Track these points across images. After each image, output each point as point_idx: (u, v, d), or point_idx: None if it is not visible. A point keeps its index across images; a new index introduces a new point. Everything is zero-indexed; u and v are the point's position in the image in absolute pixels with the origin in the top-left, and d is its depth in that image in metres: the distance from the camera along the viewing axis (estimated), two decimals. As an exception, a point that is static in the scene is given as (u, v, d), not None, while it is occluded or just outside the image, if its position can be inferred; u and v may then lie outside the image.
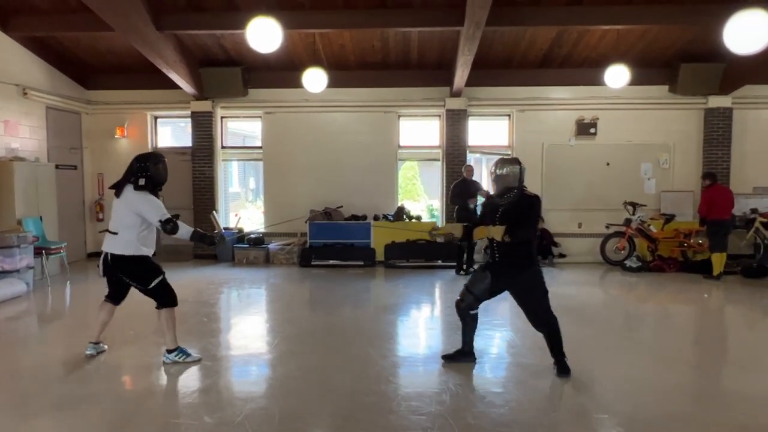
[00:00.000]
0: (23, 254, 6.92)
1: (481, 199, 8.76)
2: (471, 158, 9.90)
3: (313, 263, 9.02)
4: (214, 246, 4.37)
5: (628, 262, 8.74)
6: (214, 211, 9.70)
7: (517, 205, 3.90)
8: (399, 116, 9.81)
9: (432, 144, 10.00)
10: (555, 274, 8.47)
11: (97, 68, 9.62)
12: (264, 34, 5.91)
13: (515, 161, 3.99)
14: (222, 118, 10.06)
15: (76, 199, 9.60)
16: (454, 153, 9.49)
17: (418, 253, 9.00)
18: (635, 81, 8.22)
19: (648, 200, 9.29)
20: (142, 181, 4.09)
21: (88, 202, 9.88)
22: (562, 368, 3.97)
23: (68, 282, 7.71)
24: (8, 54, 8.00)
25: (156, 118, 10.21)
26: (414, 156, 10.48)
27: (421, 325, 5.74)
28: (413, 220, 9.36)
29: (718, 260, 7.84)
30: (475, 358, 4.30)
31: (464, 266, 8.41)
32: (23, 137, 8.28)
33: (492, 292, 4.09)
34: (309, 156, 9.72)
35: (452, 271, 8.45)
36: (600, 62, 8.68)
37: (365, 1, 7.35)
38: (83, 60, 9.33)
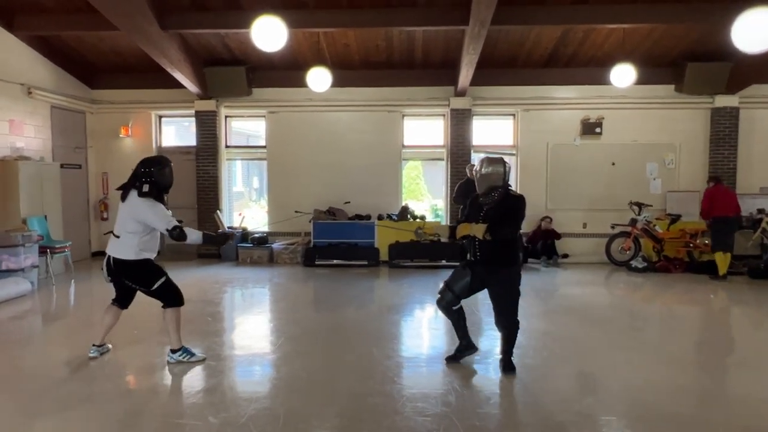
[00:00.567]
0: (28, 253, 6.93)
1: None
2: (475, 158, 9.86)
3: (317, 263, 9.01)
4: (225, 244, 4.34)
5: (633, 263, 8.69)
6: (218, 211, 9.73)
7: (500, 205, 3.92)
8: (403, 116, 9.79)
9: (436, 144, 9.97)
10: (559, 275, 8.44)
11: (101, 67, 9.63)
12: (268, 33, 5.91)
13: (500, 161, 3.97)
14: (226, 117, 10.06)
15: (81, 199, 9.62)
16: (459, 153, 9.46)
17: (422, 253, 8.97)
18: (641, 80, 8.18)
19: (654, 200, 9.24)
20: (146, 188, 4.02)
21: (92, 202, 9.90)
22: (509, 366, 4.03)
23: (72, 281, 7.72)
24: (13, 53, 8.02)
25: (160, 117, 10.22)
26: (418, 155, 10.45)
27: (425, 326, 5.72)
28: (417, 220, 9.32)
29: (722, 260, 7.79)
30: (476, 348, 4.31)
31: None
32: (28, 136, 8.29)
33: (472, 290, 4.11)
34: (313, 155, 9.71)
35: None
36: (606, 61, 8.63)
37: (370, 0, 7.34)
38: (88, 59, 9.35)
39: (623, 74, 7.80)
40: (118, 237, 4.12)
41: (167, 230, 4.00)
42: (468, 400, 3.56)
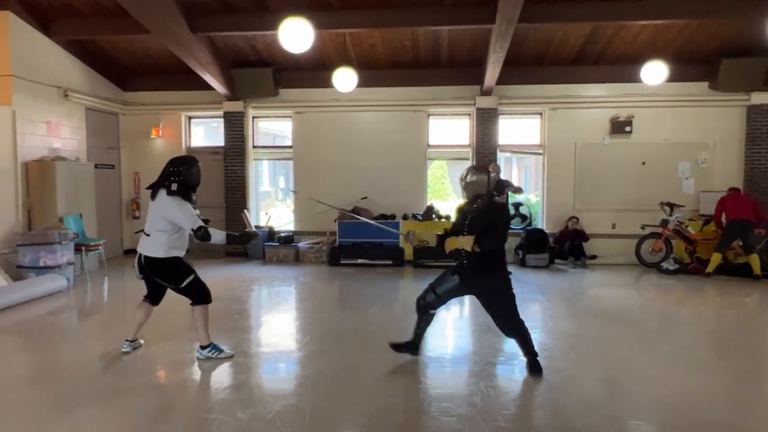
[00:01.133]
0: (64, 251, 7.16)
1: (512, 198, 8.66)
2: (501, 157, 9.79)
3: (342, 262, 9.07)
4: (248, 243, 4.41)
5: (664, 264, 8.50)
6: (245, 210, 9.88)
7: (483, 213, 3.94)
8: (428, 115, 9.77)
9: (461, 143, 9.92)
10: (587, 276, 8.30)
11: (133, 70, 9.88)
12: (295, 35, 5.96)
13: (484, 169, 4.05)
14: (253, 118, 10.21)
15: (114, 198, 9.89)
16: (484, 152, 9.39)
17: (447, 253, 8.91)
18: (673, 77, 7.98)
19: (686, 201, 9.01)
20: (174, 186, 4.12)
21: (124, 201, 10.17)
22: (535, 368, 4.00)
23: (106, 278, 7.95)
24: (51, 57, 8.30)
25: (190, 118, 10.43)
26: (443, 155, 10.42)
27: (449, 326, 5.70)
28: (442, 220, 9.29)
29: (756, 261, 7.81)
30: (419, 353, 4.34)
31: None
32: (65, 137, 8.57)
33: (458, 293, 4.16)
34: (338, 155, 9.77)
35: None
36: (636, 59, 8.45)
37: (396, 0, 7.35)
38: (121, 62, 9.60)
39: (655, 71, 7.62)
40: (148, 235, 4.22)
41: (192, 230, 4.07)
42: (494, 401, 3.54)
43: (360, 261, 9.08)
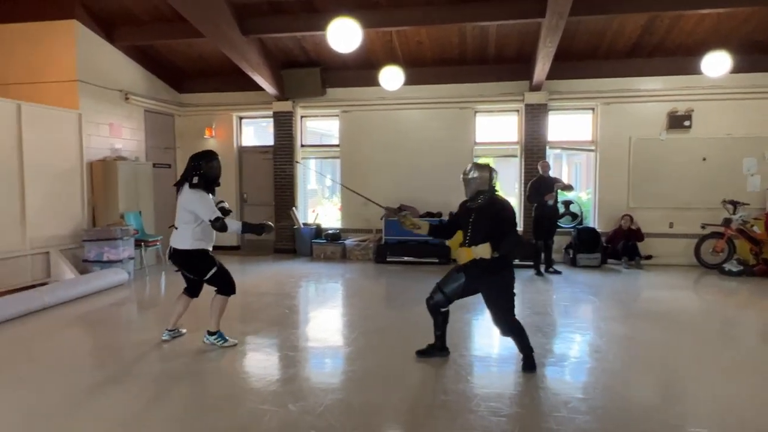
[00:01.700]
0: (125, 246, 7.54)
1: (562, 195, 8.44)
2: (551, 154, 9.56)
3: (388, 260, 9.11)
4: (264, 234, 4.56)
5: (727, 266, 8.06)
6: (293, 207, 10.11)
7: (486, 210, 3.96)
8: (476, 112, 9.66)
9: (509, 140, 9.75)
10: (642, 277, 7.99)
11: (188, 73, 10.27)
12: (343, 35, 6.03)
13: (486, 167, 4.06)
14: (301, 117, 10.40)
15: (170, 196, 10.21)
16: (533, 149, 9.20)
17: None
18: (737, 68, 7.59)
19: (751, 199, 8.52)
20: (195, 179, 4.35)
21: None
22: (530, 364, 4.00)
23: (163, 272, 8.31)
24: (114, 63, 8.75)
25: (241, 118, 10.74)
26: (491, 152, 10.25)
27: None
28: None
29: None
30: (448, 352, 4.33)
31: (542, 266, 8.16)
32: (125, 138, 9.02)
33: (465, 293, 4.12)
34: (385, 153, 9.81)
35: (530, 271, 8.20)
36: (696, 49, 8.06)
37: (443, -4, 7.31)
38: (177, 65, 10.00)
39: (717, 63, 7.24)
40: (176, 228, 4.47)
41: (210, 220, 4.29)
42: (544, 403, 3.48)
43: (406, 259, 9.10)
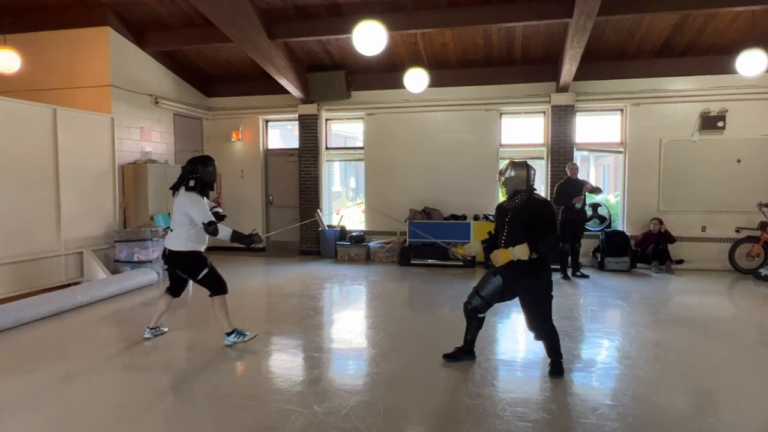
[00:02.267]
0: (155, 246, 7.71)
1: (590, 198, 8.29)
2: (578, 156, 9.41)
3: (412, 262, 9.10)
4: (250, 245, 4.64)
5: (763, 271, 7.80)
6: (318, 210, 10.18)
7: (524, 209, 3.86)
8: (501, 114, 9.58)
9: (535, 142, 9.64)
10: (673, 282, 7.79)
11: (216, 77, 10.46)
12: (369, 38, 6.05)
13: (523, 165, 3.94)
14: (326, 120, 10.48)
15: (198, 198, 10.50)
16: (560, 151, 9.08)
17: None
18: (774, 67, 7.31)
19: (789, 202, 8.23)
20: (191, 183, 4.49)
21: (212, 201, 10.76)
22: (557, 369, 3.95)
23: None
24: (144, 68, 8.97)
25: (267, 121, 10.87)
26: (516, 154, 10.13)
27: (522, 330, 5.54)
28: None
29: None
30: (474, 357, 4.29)
31: (569, 270, 8.03)
32: (155, 142, 9.23)
33: (503, 296, 4.05)
34: (409, 156, 9.81)
35: (556, 275, 8.07)
36: (730, 48, 7.85)
37: (468, -2, 7.28)
38: (205, 70, 10.20)
39: (752, 61, 7.01)
40: (172, 230, 4.59)
41: (203, 224, 4.41)
42: (572, 409, 3.42)
43: (430, 261, 9.07)
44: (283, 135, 11.64)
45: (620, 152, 9.28)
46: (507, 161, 4.05)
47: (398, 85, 8.43)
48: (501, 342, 5.02)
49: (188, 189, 4.50)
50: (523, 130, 9.98)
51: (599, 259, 8.68)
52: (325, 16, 7.91)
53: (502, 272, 3.95)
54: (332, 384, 3.90)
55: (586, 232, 8.33)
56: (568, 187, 7.90)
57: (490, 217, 9.17)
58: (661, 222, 8.62)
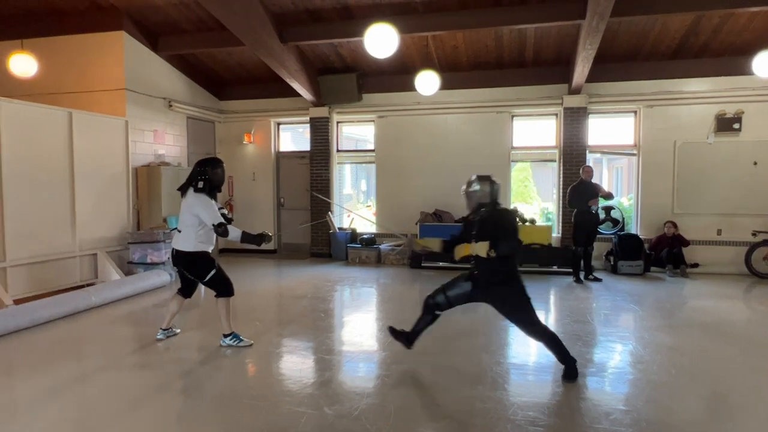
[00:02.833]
0: (168, 248, 7.76)
1: (602, 202, 8.21)
2: (590, 158, 9.33)
3: (423, 265, 9.08)
4: (261, 244, 4.69)
5: (780, 275, 7.68)
6: (329, 212, 10.20)
7: (488, 221, 3.91)
8: (512, 116, 9.54)
9: (547, 144, 9.58)
10: (688, 286, 7.69)
11: (228, 80, 10.54)
12: (380, 40, 6.06)
13: (487, 179, 4.00)
14: (338, 123, 10.51)
15: (210, 200, 10.58)
16: (572, 153, 9.01)
17: (531, 258, 8.66)
18: (792, 68, 7.19)
19: (807, 204, 8.09)
20: (200, 184, 4.52)
21: (220, 203, 10.83)
22: (570, 373, 3.92)
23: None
24: (158, 71, 9.07)
25: (278, 124, 10.94)
26: (528, 157, 10.11)
27: (535, 333, 5.51)
28: (527, 224, 9.02)
29: None
30: (411, 348, 4.34)
31: (582, 273, 7.96)
32: (168, 144, 9.32)
33: (470, 300, 4.12)
34: (420, 158, 9.80)
35: (569, 278, 8.02)
36: (746, 49, 7.75)
37: (479, 0, 7.25)
38: (217, 73, 10.28)
39: (769, 62, 6.92)
40: (180, 231, 4.62)
41: (213, 225, 4.44)
42: (585, 414, 3.38)
43: (441, 264, 9.03)
44: (294, 138, 11.70)
45: (634, 154, 9.19)
46: (472, 175, 4.08)
47: (409, 87, 8.43)
48: (513, 346, 4.99)
49: (197, 190, 4.54)
50: (534, 132, 9.94)
51: (612, 263, 8.60)
52: (336, 19, 7.94)
53: (474, 281, 4.02)
54: (343, 386, 3.90)
55: (599, 235, 8.26)
56: (582, 190, 7.83)
57: (502, 220, 9.12)
58: (674, 225, 8.52)
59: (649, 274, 8.41)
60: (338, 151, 10.55)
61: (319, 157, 10.28)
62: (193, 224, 4.55)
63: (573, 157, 8.98)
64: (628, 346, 4.86)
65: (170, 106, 9.30)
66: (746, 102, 8.40)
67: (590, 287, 7.53)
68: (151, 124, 8.91)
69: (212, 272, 4.65)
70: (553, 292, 7.31)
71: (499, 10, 7.35)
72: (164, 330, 4.99)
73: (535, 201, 12.77)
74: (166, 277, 7.47)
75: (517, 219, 9.00)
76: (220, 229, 4.45)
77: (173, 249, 4.70)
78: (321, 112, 10.15)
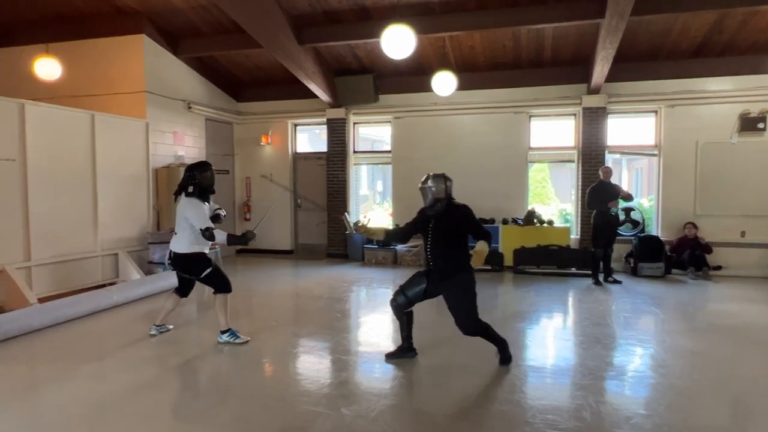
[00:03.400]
0: (187, 249, 7.85)
1: (622, 203, 8.10)
2: (610, 159, 9.21)
3: (439, 266, 9.04)
4: (248, 243, 4.73)
5: (806, 278, 7.49)
6: (346, 213, 10.22)
7: (446, 216, 4.17)
8: (530, 116, 9.46)
9: (566, 145, 9.48)
10: (710, 289, 7.54)
11: (246, 82, 10.64)
12: (397, 42, 6.05)
13: (441, 177, 4.31)
14: (354, 124, 10.53)
15: (228, 201, 10.69)
16: (591, 154, 8.91)
17: (549, 260, 8.58)
18: (819, 66, 7.03)
19: (835, 206, 7.88)
20: (190, 189, 4.67)
21: (237, 203, 10.96)
22: (505, 358, 4.23)
23: (221, 275, 8.59)
24: (178, 74, 9.20)
25: (296, 125, 11.00)
26: (546, 157, 10.01)
27: (553, 336, 5.45)
28: (545, 225, 8.94)
29: None
30: (416, 353, 4.49)
31: (601, 275, 7.86)
32: (187, 146, 9.44)
33: (425, 296, 4.30)
34: (437, 159, 9.76)
35: (587, 280, 7.92)
36: (772, 47, 7.56)
37: (497, 0, 7.21)
38: (235, 75, 10.39)
39: (795, 60, 6.75)
40: (176, 233, 4.75)
41: (200, 229, 4.54)
42: (605, 418, 3.33)
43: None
44: (311, 139, 11.76)
45: (654, 155, 9.05)
46: (427, 174, 4.38)
47: (426, 88, 8.42)
48: (530, 348, 4.94)
49: (188, 195, 4.67)
50: (552, 132, 9.84)
51: (632, 265, 8.47)
52: (353, 20, 7.96)
53: (428, 275, 4.22)
54: (360, 387, 3.91)
55: (618, 237, 8.15)
56: (602, 190, 7.73)
57: (519, 221, 9.07)
58: (695, 226, 8.37)
59: (670, 277, 8.27)
60: (355, 152, 10.58)
61: (336, 158, 10.31)
62: (187, 227, 4.69)
63: (592, 157, 8.88)
64: (648, 350, 4.78)
65: (189, 108, 9.42)
66: (771, 101, 8.22)
67: (610, 289, 7.43)
68: (171, 126, 9.03)
69: (208, 270, 4.78)
70: (572, 294, 7.23)
71: (517, 10, 7.30)
72: (157, 326, 5.15)
73: (553, 202, 12.65)
74: (185, 276, 7.55)
75: (535, 220, 8.94)
76: (207, 233, 4.56)
77: (170, 251, 4.83)
78: (338, 113, 10.19)
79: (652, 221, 9.19)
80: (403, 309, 4.40)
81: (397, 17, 6.16)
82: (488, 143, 9.49)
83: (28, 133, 6.38)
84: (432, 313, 6.42)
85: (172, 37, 8.90)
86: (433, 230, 4.17)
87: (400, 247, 9.64)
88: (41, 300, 6.10)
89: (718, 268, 8.31)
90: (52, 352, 4.75)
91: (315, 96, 9.81)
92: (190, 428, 3.27)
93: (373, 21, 7.76)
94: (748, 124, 8.28)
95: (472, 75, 9.21)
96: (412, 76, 9.53)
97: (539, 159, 10.06)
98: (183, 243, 4.72)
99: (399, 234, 4.55)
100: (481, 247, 3.95)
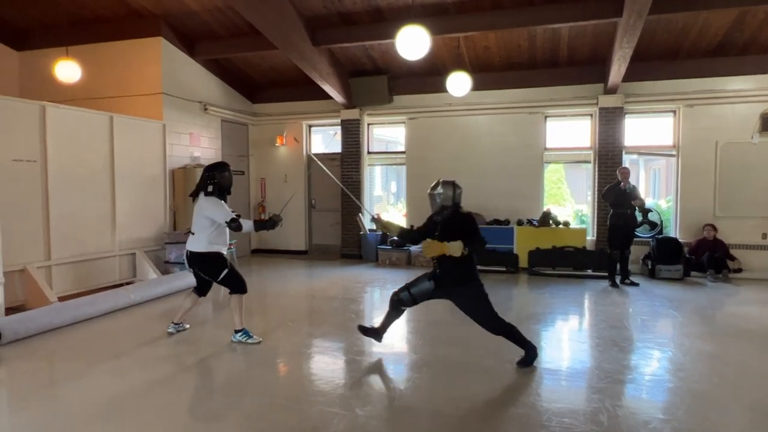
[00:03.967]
0: (202, 249, 7.93)
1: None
2: (627, 160, 9.10)
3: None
4: (275, 228, 4.80)
5: (831, 282, 7.31)
6: (360, 214, 10.24)
7: (452, 222, 4.23)
8: (545, 117, 9.38)
9: (582, 145, 9.38)
10: (730, 291, 7.41)
11: (261, 84, 10.72)
12: (412, 42, 6.04)
13: (451, 184, 4.37)
14: (368, 125, 10.54)
15: (243, 201, 10.78)
16: (608, 154, 8.80)
17: (565, 261, 8.50)
18: (844, 64, 6.87)
19: None
20: (210, 188, 4.73)
21: (252, 204, 11.04)
22: (528, 360, 4.24)
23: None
24: (195, 76, 9.30)
25: (310, 126, 11.05)
26: (561, 158, 9.92)
27: (568, 338, 5.40)
28: (560, 226, 8.86)
29: None
30: (380, 340, 4.68)
31: (618, 277, 7.76)
32: (203, 147, 9.53)
33: (432, 298, 4.39)
34: (451, 159, 9.74)
35: (604, 282, 7.83)
36: (794, 45, 7.40)
37: (512, 0, 7.17)
38: (251, 77, 10.47)
39: (819, 58, 6.60)
40: (193, 234, 4.80)
41: (226, 222, 4.62)
42: (622, 422, 3.29)
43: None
44: (325, 140, 11.80)
45: (672, 155, 8.91)
46: (438, 180, 4.42)
47: (440, 89, 8.39)
48: (546, 350, 4.89)
49: (207, 194, 4.73)
50: (568, 133, 9.75)
51: (650, 267, 8.36)
52: (368, 21, 7.98)
53: (436, 280, 4.27)
54: (374, 388, 3.91)
55: (636, 239, 8.04)
56: (618, 191, 7.63)
57: (534, 222, 9.00)
58: (714, 228, 8.23)
59: (688, 279, 8.14)
60: (369, 152, 10.59)
61: (350, 158, 10.34)
62: (205, 226, 4.74)
63: (608, 158, 8.78)
64: (666, 353, 4.71)
65: (205, 109, 9.51)
66: (794, 100, 8.05)
67: (627, 292, 7.33)
68: (187, 127, 9.13)
69: (225, 271, 4.83)
70: (588, 296, 7.15)
71: (533, 10, 7.25)
72: (175, 324, 5.22)
73: (569, 203, 12.52)
74: (200, 276, 7.62)
75: (551, 221, 8.86)
76: (234, 224, 4.63)
77: (187, 251, 4.87)
78: (352, 114, 10.21)
79: (670, 223, 9.06)
80: (402, 305, 4.48)
81: (412, 18, 6.16)
82: (503, 144, 9.44)
83: (48, 135, 6.50)
84: (445, 314, 6.40)
85: (188, 40, 9.00)
86: (439, 237, 4.19)
87: (414, 248, 9.63)
88: (61, 299, 6.22)
89: (739, 270, 8.15)
90: (70, 350, 4.83)
91: (329, 97, 9.85)
92: (205, 426, 3.30)
93: (387, 22, 7.77)
94: (770, 123, 8.12)
95: (487, 75, 9.17)
96: (427, 76, 9.51)
97: (555, 160, 9.97)
98: (201, 242, 4.77)
99: (411, 235, 4.61)
100: (455, 246, 3.96)
